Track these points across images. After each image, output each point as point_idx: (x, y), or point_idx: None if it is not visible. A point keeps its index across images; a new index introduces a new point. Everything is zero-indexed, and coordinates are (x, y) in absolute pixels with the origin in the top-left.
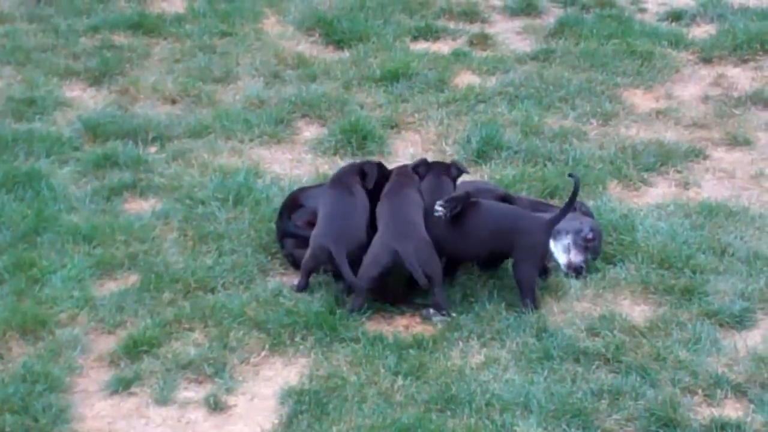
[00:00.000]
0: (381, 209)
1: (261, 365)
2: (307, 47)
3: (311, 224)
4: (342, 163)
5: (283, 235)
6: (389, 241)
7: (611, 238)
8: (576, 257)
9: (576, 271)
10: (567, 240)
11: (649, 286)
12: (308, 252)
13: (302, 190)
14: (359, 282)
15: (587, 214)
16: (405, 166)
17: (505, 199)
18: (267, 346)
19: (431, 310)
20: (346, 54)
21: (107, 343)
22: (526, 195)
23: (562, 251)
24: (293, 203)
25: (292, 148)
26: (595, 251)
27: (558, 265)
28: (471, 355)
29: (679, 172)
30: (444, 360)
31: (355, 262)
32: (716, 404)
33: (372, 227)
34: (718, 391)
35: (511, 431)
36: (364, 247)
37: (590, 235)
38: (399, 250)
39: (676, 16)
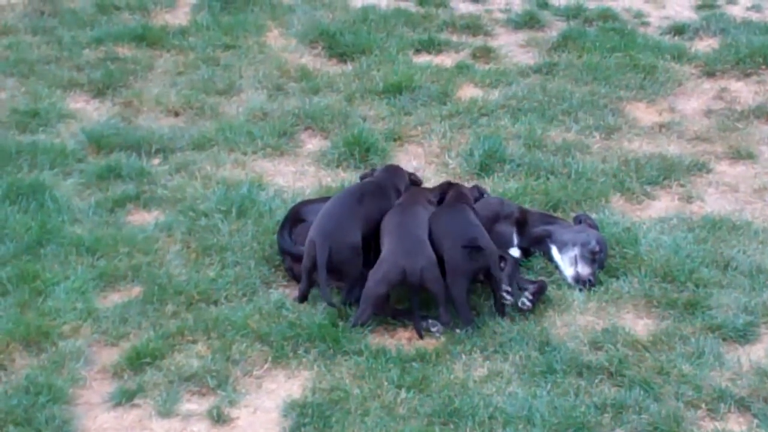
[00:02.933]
0: (388, 223)
1: (264, 378)
2: (310, 60)
3: None
4: (345, 175)
5: (282, 248)
6: (399, 258)
7: (614, 251)
8: (584, 269)
9: (584, 283)
10: (574, 252)
11: (653, 299)
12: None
13: (304, 203)
14: (365, 295)
15: (593, 226)
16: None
17: (521, 217)
18: (270, 359)
19: (430, 321)
20: (349, 67)
21: (110, 355)
22: (530, 207)
23: (568, 264)
24: (295, 217)
25: (295, 161)
26: (601, 264)
27: (564, 277)
28: (474, 368)
29: (682, 185)
30: (447, 373)
31: (341, 262)
32: (719, 418)
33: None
34: (722, 405)
35: None
36: (353, 250)
37: (597, 248)
38: (406, 269)
39: (678, 29)
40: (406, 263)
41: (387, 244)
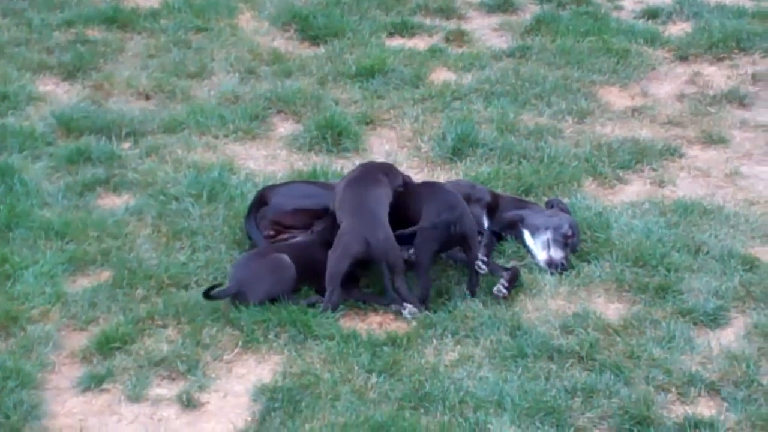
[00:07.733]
0: (344, 200)
1: (234, 362)
2: (283, 43)
3: (276, 223)
4: (317, 159)
5: (248, 233)
6: (360, 230)
7: (586, 235)
8: (556, 253)
9: (557, 267)
10: (546, 236)
11: (624, 284)
12: None
13: (271, 187)
14: (330, 276)
15: (565, 210)
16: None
17: (492, 202)
18: (240, 343)
19: (404, 304)
20: (321, 50)
21: (79, 340)
22: (502, 191)
23: (541, 248)
24: (260, 201)
25: (267, 144)
26: (573, 248)
27: (536, 261)
28: (445, 352)
29: (654, 170)
30: (418, 357)
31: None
32: (690, 402)
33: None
34: (692, 389)
35: (484, 429)
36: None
37: (569, 232)
38: (370, 239)
39: (652, 13)
40: (368, 235)
41: (345, 220)
